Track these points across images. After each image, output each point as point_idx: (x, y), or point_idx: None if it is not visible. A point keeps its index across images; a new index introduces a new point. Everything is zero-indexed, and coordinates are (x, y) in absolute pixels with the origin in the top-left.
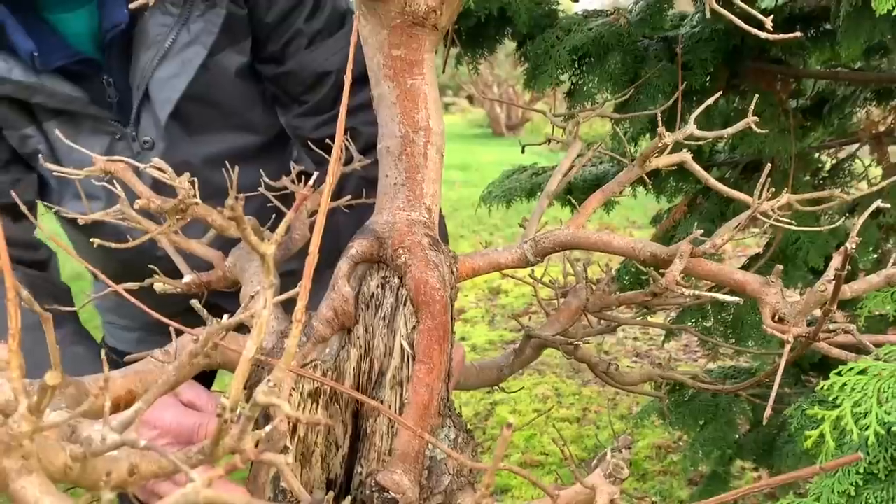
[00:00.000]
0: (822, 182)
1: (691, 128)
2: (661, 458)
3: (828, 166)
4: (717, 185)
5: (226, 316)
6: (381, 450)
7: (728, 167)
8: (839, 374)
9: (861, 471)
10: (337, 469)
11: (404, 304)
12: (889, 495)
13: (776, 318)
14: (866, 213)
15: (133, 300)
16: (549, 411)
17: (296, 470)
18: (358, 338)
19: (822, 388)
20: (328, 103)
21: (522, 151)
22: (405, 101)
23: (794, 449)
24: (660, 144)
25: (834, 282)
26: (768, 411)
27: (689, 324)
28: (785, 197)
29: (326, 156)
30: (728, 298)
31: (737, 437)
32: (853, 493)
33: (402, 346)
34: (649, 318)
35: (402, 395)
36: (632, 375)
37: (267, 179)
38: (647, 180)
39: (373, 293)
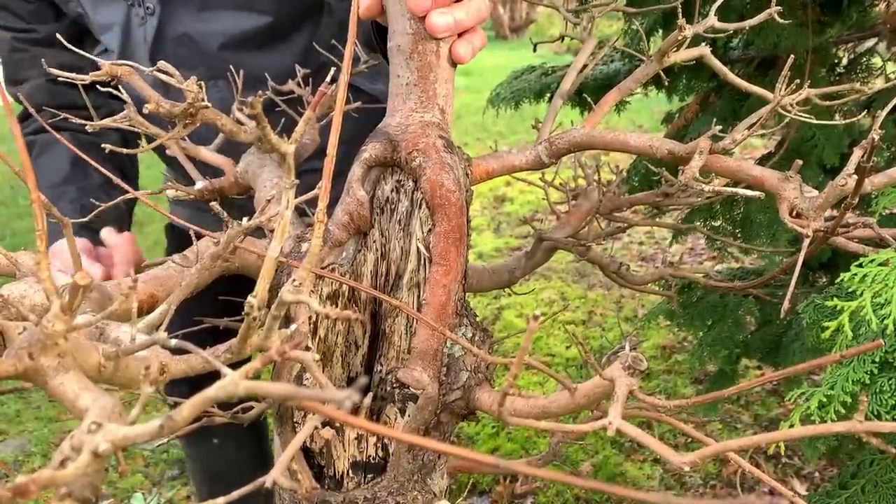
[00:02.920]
0: (838, 77)
1: (712, 20)
2: (665, 357)
3: (844, 61)
4: (735, 79)
5: (245, 219)
6: (400, 348)
7: (742, 64)
8: (860, 265)
9: (876, 360)
10: (357, 367)
11: (419, 208)
12: None
13: (794, 213)
14: (888, 107)
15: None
16: (556, 314)
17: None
18: (374, 241)
19: (842, 279)
20: None
21: (534, 50)
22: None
23: (801, 346)
24: (679, 38)
25: (856, 175)
26: (786, 305)
27: (698, 223)
28: (805, 91)
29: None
30: (748, 193)
31: (744, 336)
32: (868, 381)
33: (418, 248)
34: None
35: (419, 296)
36: (642, 276)
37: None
38: (663, 77)
39: (387, 197)
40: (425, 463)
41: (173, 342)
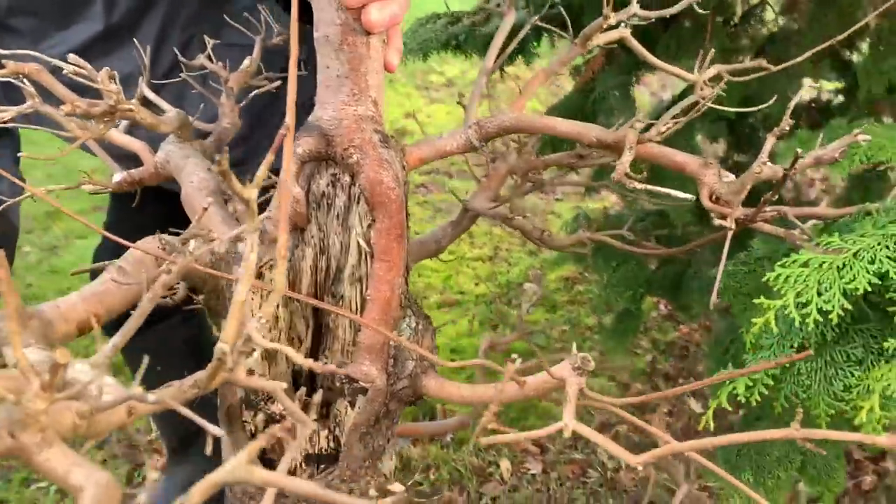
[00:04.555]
0: (733, 29)
1: (634, 7)
2: (568, 289)
3: (739, 12)
4: (657, 62)
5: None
6: (344, 341)
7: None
8: (783, 265)
9: (794, 345)
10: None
11: (357, 203)
12: (817, 365)
13: (713, 197)
14: (797, 96)
15: None
16: (464, 253)
17: (263, 367)
18: (312, 237)
19: (767, 278)
20: None
21: None
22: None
23: (700, 284)
24: (604, 26)
25: (776, 166)
26: (714, 299)
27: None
28: (713, 69)
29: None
30: (679, 194)
31: (646, 275)
32: (787, 364)
33: (359, 243)
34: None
35: (362, 291)
36: (563, 240)
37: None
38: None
39: (323, 192)
40: (375, 449)
41: (151, 397)
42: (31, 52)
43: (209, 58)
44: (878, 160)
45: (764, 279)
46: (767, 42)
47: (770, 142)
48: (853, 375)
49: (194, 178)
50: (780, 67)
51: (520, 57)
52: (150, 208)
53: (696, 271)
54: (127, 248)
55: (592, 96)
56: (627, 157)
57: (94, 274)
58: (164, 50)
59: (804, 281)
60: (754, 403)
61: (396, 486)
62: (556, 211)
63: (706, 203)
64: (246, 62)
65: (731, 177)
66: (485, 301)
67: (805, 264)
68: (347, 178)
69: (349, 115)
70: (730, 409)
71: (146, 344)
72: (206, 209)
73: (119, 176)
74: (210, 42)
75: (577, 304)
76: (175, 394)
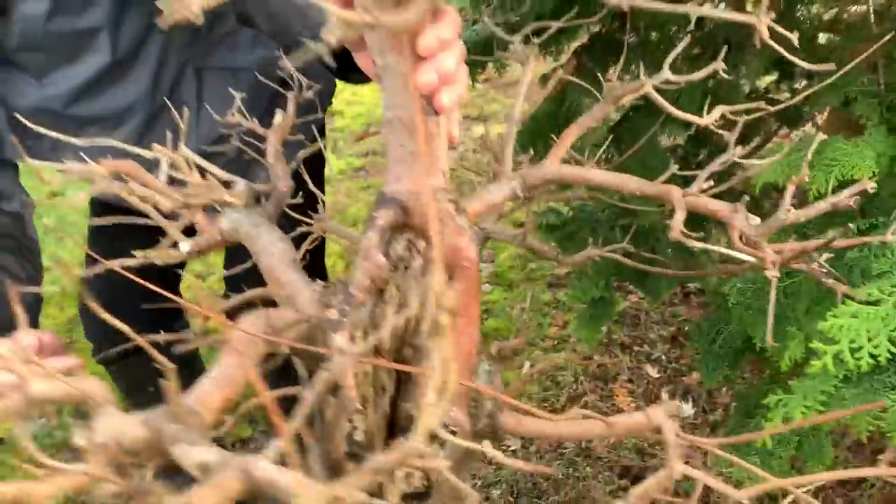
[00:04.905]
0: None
1: (666, 74)
2: (522, 266)
3: None
4: (679, 114)
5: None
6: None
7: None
8: (835, 315)
9: (839, 376)
10: (386, 408)
11: (432, 265)
12: (859, 391)
13: (743, 239)
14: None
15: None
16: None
17: (363, 419)
18: (392, 296)
19: (822, 328)
20: None
21: None
22: (414, 71)
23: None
24: (640, 92)
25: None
26: (769, 338)
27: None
28: (717, 110)
29: None
30: (744, 257)
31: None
32: (833, 392)
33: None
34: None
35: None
36: (577, 258)
37: None
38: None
39: (400, 255)
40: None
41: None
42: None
43: (199, 83)
44: (851, 176)
45: (819, 328)
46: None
47: (790, 189)
48: (890, 399)
49: (274, 251)
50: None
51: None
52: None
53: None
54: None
55: (565, 106)
56: (680, 217)
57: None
58: (164, 76)
59: (856, 330)
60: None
61: None
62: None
63: (738, 246)
64: (279, 117)
65: (757, 220)
66: None
67: (854, 315)
68: (423, 243)
69: (425, 189)
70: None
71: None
72: (329, 308)
73: (188, 246)
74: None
75: (532, 281)
76: (359, 481)
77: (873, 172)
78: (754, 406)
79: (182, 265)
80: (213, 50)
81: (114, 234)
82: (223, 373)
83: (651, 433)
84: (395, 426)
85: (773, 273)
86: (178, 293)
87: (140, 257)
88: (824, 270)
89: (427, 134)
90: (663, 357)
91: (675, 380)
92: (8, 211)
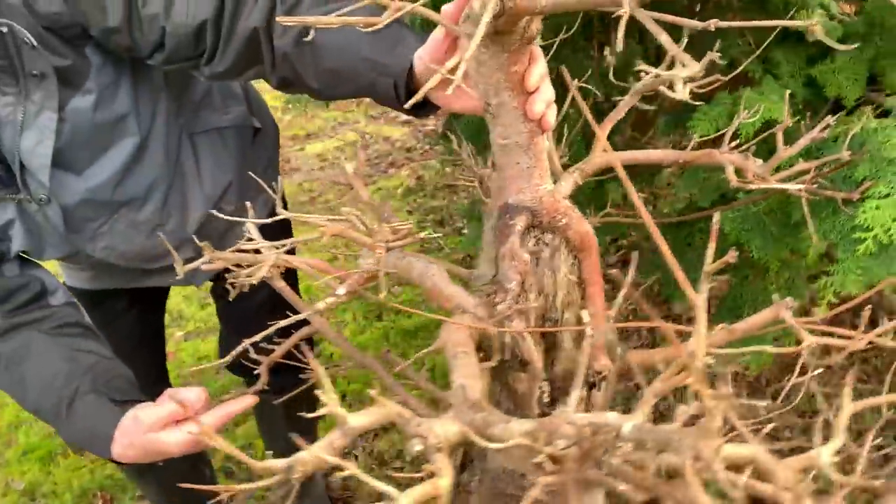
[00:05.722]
0: None
1: (693, 67)
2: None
3: None
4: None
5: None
6: (569, 350)
7: None
8: (865, 210)
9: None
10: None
11: (557, 251)
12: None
13: (753, 176)
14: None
15: None
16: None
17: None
18: (531, 284)
19: (857, 221)
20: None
21: None
22: (524, 105)
23: None
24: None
25: (788, 149)
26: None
27: None
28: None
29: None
30: (790, 186)
31: None
32: (868, 267)
33: (568, 278)
34: None
35: (574, 312)
36: None
37: None
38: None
39: (532, 249)
40: None
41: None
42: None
43: (194, 147)
44: (772, 118)
45: (857, 221)
46: None
47: (808, 137)
48: None
49: (433, 273)
50: None
51: None
52: (132, 312)
53: None
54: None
55: None
56: (731, 169)
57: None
58: (171, 147)
59: (882, 217)
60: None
61: None
62: None
63: (756, 181)
64: (351, 167)
65: (760, 161)
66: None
67: (877, 207)
68: (549, 236)
69: (544, 193)
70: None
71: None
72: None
73: (343, 289)
74: None
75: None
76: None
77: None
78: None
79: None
80: (198, 114)
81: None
82: (469, 370)
83: None
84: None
85: (799, 189)
86: (164, 355)
87: (311, 311)
88: (819, 187)
89: (538, 150)
90: None
91: None
92: (62, 304)
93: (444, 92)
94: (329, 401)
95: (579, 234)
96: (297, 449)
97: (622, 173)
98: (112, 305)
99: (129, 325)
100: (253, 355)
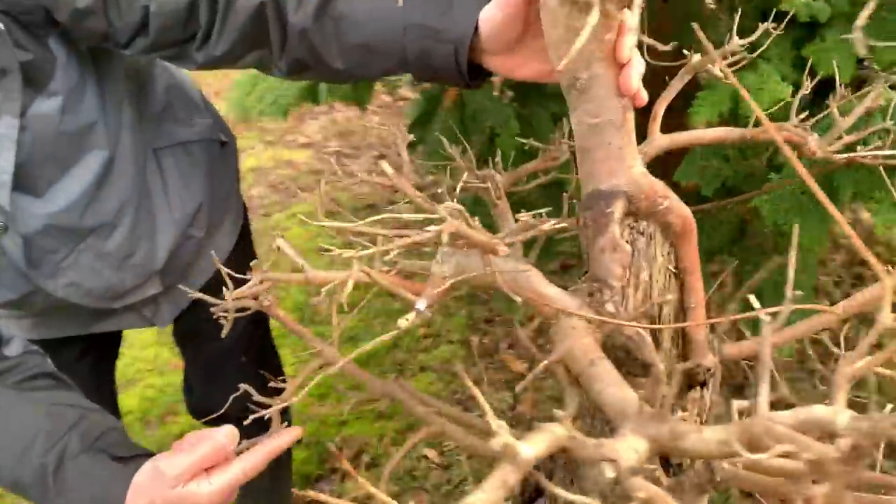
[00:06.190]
0: None
1: (734, 44)
2: None
3: None
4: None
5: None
6: (668, 349)
7: None
8: None
9: None
10: None
11: (651, 239)
12: None
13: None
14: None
15: None
16: None
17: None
18: (627, 276)
19: None
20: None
21: None
22: (617, 77)
23: None
24: (715, 70)
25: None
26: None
27: None
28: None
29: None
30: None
31: None
32: None
33: (666, 268)
34: None
35: (673, 304)
36: None
37: None
38: None
39: (626, 239)
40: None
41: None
42: None
43: (159, 164)
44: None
45: None
46: None
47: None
48: None
49: (530, 275)
50: None
51: None
52: (85, 362)
53: None
54: None
55: (467, 111)
56: (788, 148)
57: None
58: (139, 164)
59: None
60: None
61: None
62: None
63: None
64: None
65: (816, 136)
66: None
67: None
68: (643, 224)
69: (639, 175)
70: None
71: None
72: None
73: (423, 304)
74: None
75: None
76: None
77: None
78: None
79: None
80: (160, 126)
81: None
82: (612, 376)
83: None
84: None
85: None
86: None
87: (397, 329)
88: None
89: (630, 128)
90: None
91: None
92: (22, 353)
93: (508, 58)
94: (500, 430)
95: (681, 217)
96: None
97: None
98: (61, 357)
99: (81, 379)
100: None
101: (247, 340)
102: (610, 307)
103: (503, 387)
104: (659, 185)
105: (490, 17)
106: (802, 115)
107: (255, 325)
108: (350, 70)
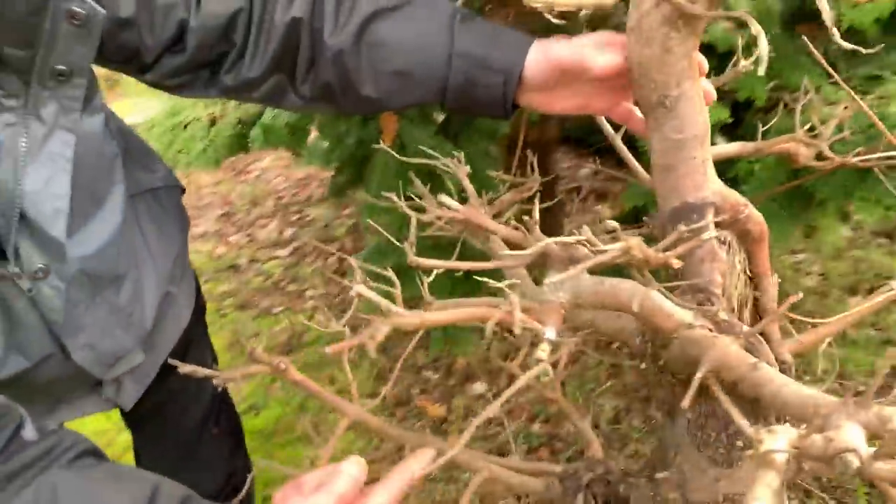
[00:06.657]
0: None
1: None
2: None
3: None
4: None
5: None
6: None
7: None
8: None
9: None
10: None
11: (731, 246)
12: None
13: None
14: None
15: None
16: None
17: None
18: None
19: None
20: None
21: None
22: (700, 92)
23: None
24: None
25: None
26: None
27: None
28: None
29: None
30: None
31: None
32: None
33: (743, 274)
34: None
35: (749, 308)
36: None
37: None
38: None
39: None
40: None
41: None
42: None
43: (135, 211)
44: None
45: None
46: None
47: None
48: None
49: (648, 290)
50: None
51: None
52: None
53: None
54: None
55: (408, 150)
56: (808, 153)
57: None
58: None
59: None
60: None
61: None
62: None
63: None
64: None
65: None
66: None
67: None
68: (725, 234)
69: (720, 186)
70: None
71: None
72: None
73: (553, 333)
74: None
75: None
76: None
77: None
78: None
79: None
80: (133, 173)
81: None
82: (781, 377)
83: None
84: None
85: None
86: None
87: (538, 361)
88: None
89: (707, 142)
90: None
91: None
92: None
93: (547, 94)
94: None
95: (759, 224)
96: None
97: None
98: None
99: None
100: None
101: (217, 406)
102: (723, 315)
103: (432, 432)
104: (738, 196)
105: (535, 60)
106: None
107: (219, 389)
108: (380, 98)
